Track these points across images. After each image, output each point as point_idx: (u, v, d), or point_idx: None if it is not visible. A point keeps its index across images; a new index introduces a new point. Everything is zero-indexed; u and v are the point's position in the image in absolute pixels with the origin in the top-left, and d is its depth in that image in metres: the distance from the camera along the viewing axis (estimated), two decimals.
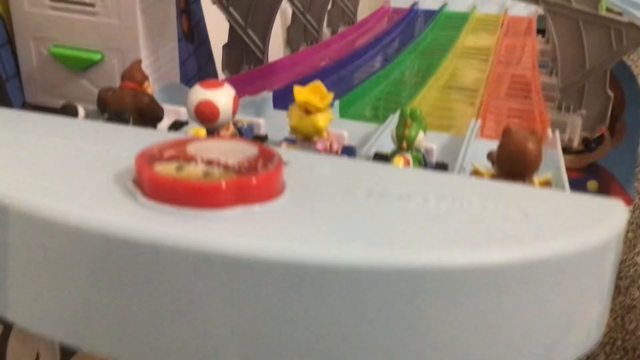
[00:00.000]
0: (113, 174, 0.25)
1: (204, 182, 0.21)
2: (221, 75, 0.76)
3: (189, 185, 0.21)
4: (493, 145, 0.47)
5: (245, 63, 0.73)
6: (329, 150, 0.37)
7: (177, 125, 0.40)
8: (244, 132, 0.39)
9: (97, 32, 0.44)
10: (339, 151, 0.38)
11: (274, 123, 0.47)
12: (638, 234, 1.55)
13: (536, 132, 0.31)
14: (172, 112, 0.41)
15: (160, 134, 0.32)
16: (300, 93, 0.34)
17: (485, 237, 0.21)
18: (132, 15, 0.43)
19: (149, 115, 0.38)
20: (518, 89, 0.73)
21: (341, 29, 1.01)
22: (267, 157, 0.24)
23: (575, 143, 0.64)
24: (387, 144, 0.42)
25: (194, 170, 0.22)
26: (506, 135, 0.31)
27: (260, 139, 0.39)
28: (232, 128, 0.37)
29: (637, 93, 0.77)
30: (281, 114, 0.52)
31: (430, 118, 0.56)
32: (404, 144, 0.33)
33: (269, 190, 0.23)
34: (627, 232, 1.53)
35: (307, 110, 0.34)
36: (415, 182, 0.26)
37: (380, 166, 0.29)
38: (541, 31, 0.97)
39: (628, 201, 1.15)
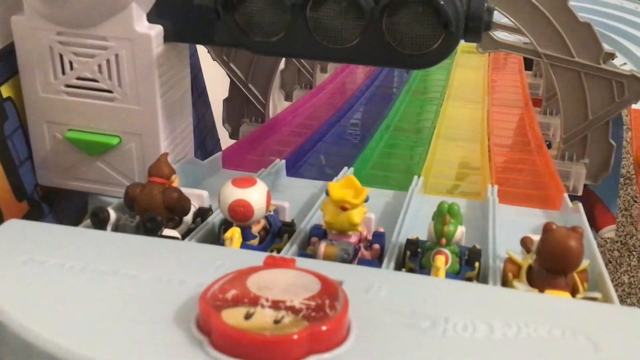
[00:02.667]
0: (172, 312, 0.24)
1: (276, 335, 0.21)
2: (221, 128, 0.76)
3: (262, 340, 0.21)
4: (515, 213, 0.47)
5: (246, 117, 0.73)
6: (362, 240, 0.37)
7: (202, 214, 0.39)
8: (272, 220, 0.38)
9: (114, 117, 0.44)
10: (370, 237, 0.38)
11: (291, 195, 0.47)
12: (623, 253, 1.57)
13: (577, 230, 0.31)
14: (194, 196, 0.41)
15: (203, 249, 0.31)
16: (336, 190, 0.34)
17: None
18: (152, 100, 0.43)
19: (178, 211, 0.37)
20: (519, 133, 0.74)
21: (330, 66, 1.01)
22: (331, 293, 0.24)
23: (580, 192, 0.64)
24: (412, 218, 0.42)
25: (263, 318, 0.22)
26: (547, 231, 0.31)
27: (289, 227, 0.38)
28: (263, 221, 0.37)
29: (619, 113, 0.79)
30: (294, 182, 0.53)
31: (445, 180, 0.57)
32: (443, 241, 0.33)
33: (338, 336, 0.22)
34: (613, 251, 1.55)
35: (343, 207, 0.34)
36: (476, 306, 0.25)
37: (434, 282, 0.29)
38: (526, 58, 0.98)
39: (612, 220, 1.17)
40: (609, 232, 1.20)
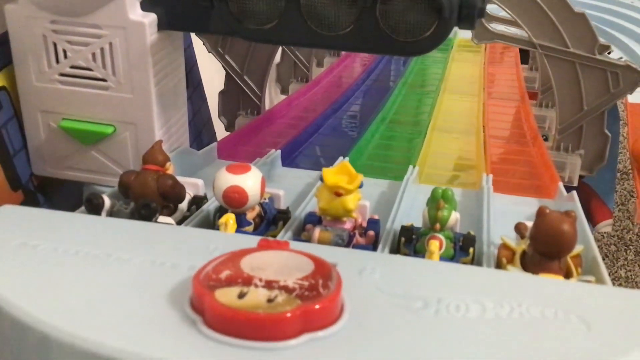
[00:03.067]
0: (166, 293, 0.24)
1: (269, 314, 0.21)
2: (217, 121, 0.76)
3: (255, 318, 0.21)
4: (509, 201, 0.47)
5: (241, 109, 0.73)
6: (357, 227, 0.37)
7: (197, 202, 0.39)
8: (267, 208, 0.38)
9: (109, 106, 0.43)
10: (365, 225, 0.38)
11: (286, 184, 0.47)
12: (620, 247, 1.58)
13: (570, 213, 0.31)
14: (189, 185, 0.41)
15: (197, 234, 0.31)
16: (330, 175, 0.34)
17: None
18: (146, 89, 0.42)
19: (172, 198, 0.37)
20: (515, 126, 0.74)
21: (327, 60, 1.01)
22: (324, 274, 0.24)
23: (575, 182, 0.64)
24: (407, 207, 0.42)
25: (257, 297, 0.22)
26: (540, 216, 0.31)
27: (284, 214, 0.38)
28: (257, 208, 0.37)
29: (615, 108, 0.79)
30: (290, 172, 0.53)
31: (440, 171, 0.57)
32: (437, 226, 0.33)
33: (331, 315, 0.22)
34: (610, 245, 1.55)
35: (337, 192, 0.34)
36: (469, 285, 0.26)
37: (427, 265, 0.29)
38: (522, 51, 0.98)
39: (608, 215, 1.17)
40: (605, 226, 1.19)
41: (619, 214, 1.48)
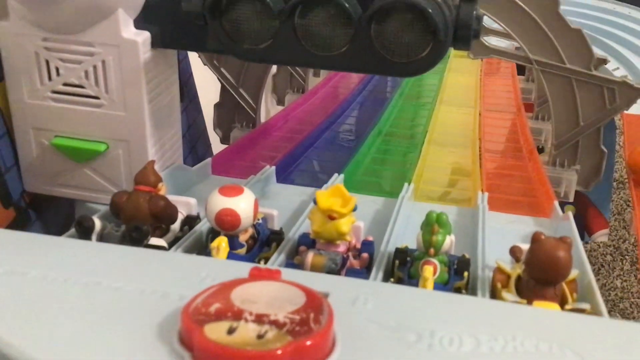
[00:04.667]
0: (155, 326, 0.24)
1: (260, 351, 0.21)
2: (212, 133, 0.76)
3: (245, 356, 0.21)
4: (505, 220, 0.47)
5: (237, 122, 0.73)
6: (351, 249, 0.37)
7: (189, 222, 0.39)
8: (260, 229, 0.38)
9: (101, 124, 0.43)
10: (359, 246, 0.38)
11: (280, 202, 0.47)
12: (616, 257, 1.58)
13: (565, 239, 0.31)
14: (182, 204, 0.40)
15: (188, 260, 0.31)
16: (323, 199, 0.34)
17: None
18: (139, 106, 0.42)
19: (165, 219, 0.37)
20: (511, 139, 0.74)
21: (323, 71, 1.01)
22: (316, 307, 0.23)
23: (571, 198, 0.64)
24: (402, 227, 0.42)
25: (247, 333, 0.22)
26: (536, 242, 0.31)
27: (277, 235, 0.38)
28: (250, 230, 0.37)
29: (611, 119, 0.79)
30: (284, 189, 0.52)
31: (435, 187, 0.57)
32: (432, 250, 0.33)
33: (323, 350, 0.22)
34: (606, 255, 1.55)
35: (330, 216, 0.34)
36: (463, 317, 0.25)
37: (421, 295, 0.28)
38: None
39: (605, 225, 1.17)
40: (601, 236, 1.20)
41: (615, 224, 1.47)
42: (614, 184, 1.38)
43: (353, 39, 0.38)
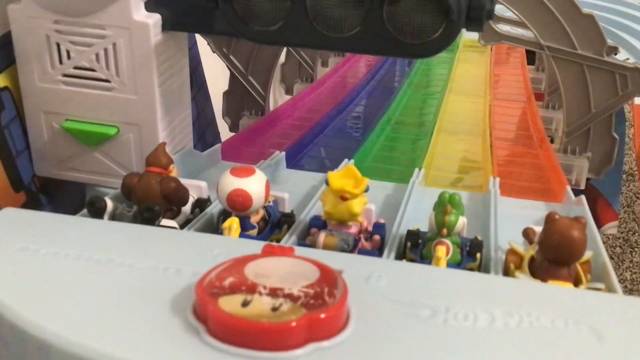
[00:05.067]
0: (169, 300, 0.24)
1: (274, 323, 0.21)
2: (221, 121, 0.76)
3: (260, 327, 0.21)
4: (517, 205, 0.47)
5: (246, 109, 0.73)
6: (362, 231, 0.36)
7: (200, 205, 0.39)
8: (271, 211, 0.38)
9: (112, 107, 0.43)
10: (370, 229, 0.37)
11: (290, 187, 0.47)
12: (626, 249, 1.57)
13: (580, 219, 0.31)
14: (193, 187, 0.40)
15: (200, 238, 0.31)
16: (335, 180, 0.34)
17: None
18: (150, 90, 0.42)
19: (176, 201, 0.37)
20: (521, 127, 0.73)
21: (331, 60, 1.01)
22: (330, 281, 0.23)
23: (582, 185, 0.64)
24: (413, 210, 0.41)
25: (261, 305, 0.22)
26: (550, 222, 0.31)
27: (288, 217, 0.38)
28: (262, 211, 0.37)
29: (621, 110, 0.78)
30: (294, 174, 0.52)
31: (446, 173, 0.56)
32: (444, 231, 0.33)
33: (337, 324, 0.22)
34: (615, 247, 1.54)
35: (342, 197, 0.34)
36: (477, 293, 0.25)
37: (435, 272, 0.28)
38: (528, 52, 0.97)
39: (614, 217, 1.16)
40: (611, 228, 1.19)
41: (625, 216, 1.47)
42: (624, 176, 1.37)
43: (365, 20, 0.37)
